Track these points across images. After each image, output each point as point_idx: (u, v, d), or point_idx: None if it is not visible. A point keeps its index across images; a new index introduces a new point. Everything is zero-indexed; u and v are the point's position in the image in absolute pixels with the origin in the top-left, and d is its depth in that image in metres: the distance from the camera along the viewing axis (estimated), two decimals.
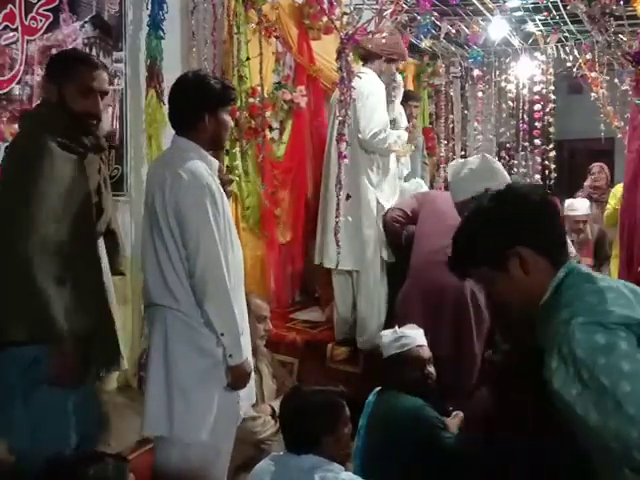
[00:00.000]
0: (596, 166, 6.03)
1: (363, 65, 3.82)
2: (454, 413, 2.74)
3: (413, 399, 2.59)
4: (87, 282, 2.18)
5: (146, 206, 2.37)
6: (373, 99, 3.60)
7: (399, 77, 4.17)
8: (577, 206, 4.96)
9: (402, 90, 4.15)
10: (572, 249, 3.61)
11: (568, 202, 5.01)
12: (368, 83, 3.64)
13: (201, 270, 2.22)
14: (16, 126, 2.42)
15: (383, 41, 3.77)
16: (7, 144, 2.83)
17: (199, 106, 2.32)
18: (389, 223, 3.67)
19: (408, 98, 4.51)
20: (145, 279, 2.37)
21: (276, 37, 4.12)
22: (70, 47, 3.08)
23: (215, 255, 2.23)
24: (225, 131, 2.41)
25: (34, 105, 2.41)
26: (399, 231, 3.65)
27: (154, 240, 2.29)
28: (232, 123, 2.50)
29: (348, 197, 3.51)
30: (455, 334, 3.22)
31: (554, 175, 5.97)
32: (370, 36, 3.68)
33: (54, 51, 2.98)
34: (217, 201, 2.29)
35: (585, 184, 5.98)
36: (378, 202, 3.70)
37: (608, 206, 5.18)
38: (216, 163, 2.42)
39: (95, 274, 2.25)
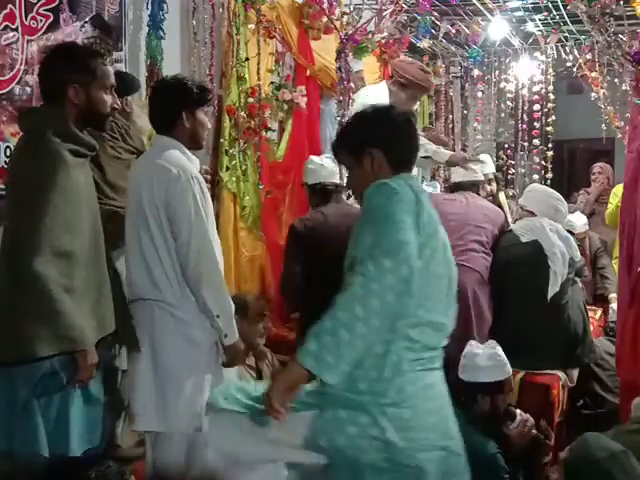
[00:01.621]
0: (596, 166, 6.04)
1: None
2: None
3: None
4: (102, 288, 2.20)
5: (130, 205, 2.41)
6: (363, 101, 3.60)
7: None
8: (575, 223, 4.91)
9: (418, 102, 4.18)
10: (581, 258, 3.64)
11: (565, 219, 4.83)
12: (372, 92, 3.65)
13: (195, 258, 2.28)
14: (16, 126, 2.39)
15: (401, 62, 3.76)
16: (7, 144, 2.85)
17: (177, 105, 2.41)
18: None
19: None
20: (129, 276, 2.40)
21: (272, 37, 4.11)
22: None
23: (207, 242, 2.32)
24: (202, 130, 2.48)
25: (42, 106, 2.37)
26: None
27: (140, 237, 2.34)
28: (209, 124, 2.56)
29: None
30: (457, 334, 3.22)
31: (550, 175, 5.98)
32: (371, 36, 3.68)
33: None
34: (205, 193, 2.39)
35: (591, 192, 5.96)
36: None
37: (609, 205, 5.17)
38: (197, 161, 2.49)
39: (108, 277, 2.26)
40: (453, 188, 3.83)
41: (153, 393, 2.31)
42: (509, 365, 2.75)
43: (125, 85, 2.89)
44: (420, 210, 1.78)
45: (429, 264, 1.74)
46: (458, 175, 3.75)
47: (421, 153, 3.42)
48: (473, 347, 2.78)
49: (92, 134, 2.24)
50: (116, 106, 2.32)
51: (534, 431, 2.73)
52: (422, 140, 3.52)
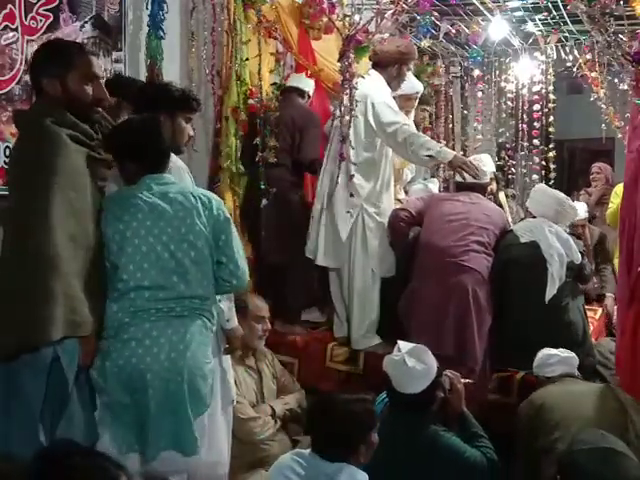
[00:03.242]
0: (595, 167, 6.05)
1: (373, 68, 3.78)
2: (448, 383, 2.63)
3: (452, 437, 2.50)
4: (97, 275, 2.21)
5: None
6: (380, 98, 3.57)
7: (419, 87, 4.15)
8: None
9: (416, 101, 4.17)
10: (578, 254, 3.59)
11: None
12: (370, 84, 3.63)
13: None
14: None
15: (392, 46, 3.72)
16: (7, 144, 2.85)
17: (155, 106, 2.46)
18: (395, 223, 3.65)
19: (419, 102, 4.44)
20: None
21: (274, 38, 4.11)
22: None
23: None
24: (181, 136, 2.53)
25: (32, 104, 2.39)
26: (405, 231, 3.64)
27: None
28: (191, 131, 2.59)
29: (351, 195, 3.52)
30: (458, 334, 3.22)
31: (553, 175, 5.98)
32: (371, 36, 3.66)
33: None
34: (192, 182, 2.52)
35: (591, 192, 5.94)
36: (365, 212, 3.65)
37: (610, 205, 5.17)
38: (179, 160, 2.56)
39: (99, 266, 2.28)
40: (458, 188, 3.81)
41: None
42: (430, 370, 2.53)
43: (121, 87, 2.88)
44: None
45: None
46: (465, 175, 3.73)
47: (423, 152, 3.41)
48: (394, 353, 2.58)
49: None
50: (103, 97, 2.29)
51: (463, 380, 2.68)
52: (424, 138, 3.51)
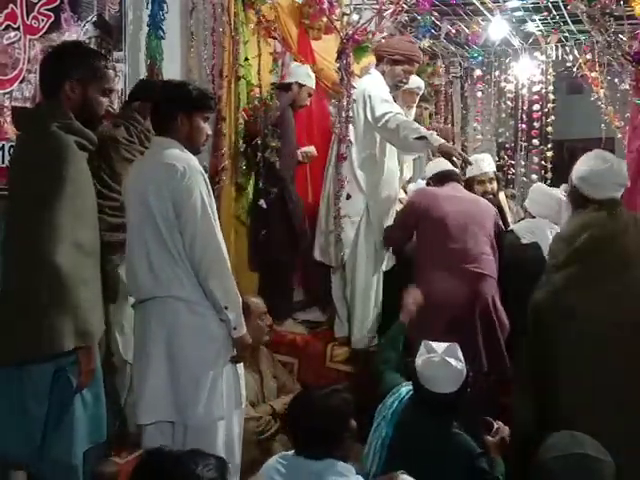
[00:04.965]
0: None
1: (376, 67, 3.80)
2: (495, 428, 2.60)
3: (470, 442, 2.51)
4: (99, 282, 2.21)
5: (132, 206, 2.42)
6: (376, 92, 3.57)
7: (421, 83, 4.16)
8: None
9: (418, 97, 4.17)
10: None
11: None
12: (369, 80, 3.64)
13: (201, 250, 2.33)
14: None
15: (386, 42, 3.74)
16: (11, 144, 2.85)
17: (173, 106, 2.43)
18: (390, 246, 3.69)
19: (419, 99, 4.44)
20: (136, 276, 2.41)
21: (274, 37, 4.11)
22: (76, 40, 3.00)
23: (213, 235, 2.37)
24: (199, 135, 2.49)
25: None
26: (399, 251, 3.66)
27: (147, 236, 2.36)
28: (209, 131, 2.56)
29: (348, 197, 3.51)
30: (483, 343, 3.21)
31: (549, 175, 5.98)
32: (371, 36, 3.67)
33: None
34: (209, 188, 2.43)
35: None
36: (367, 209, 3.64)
37: None
38: (196, 160, 2.51)
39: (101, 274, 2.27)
40: (441, 179, 3.68)
41: (167, 385, 2.37)
42: (464, 366, 2.52)
43: (148, 91, 2.87)
44: None
45: None
46: (442, 165, 3.68)
47: (413, 135, 3.39)
48: (428, 354, 2.55)
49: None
50: (110, 110, 2.32)
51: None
52: (415, 124, 3.51)
